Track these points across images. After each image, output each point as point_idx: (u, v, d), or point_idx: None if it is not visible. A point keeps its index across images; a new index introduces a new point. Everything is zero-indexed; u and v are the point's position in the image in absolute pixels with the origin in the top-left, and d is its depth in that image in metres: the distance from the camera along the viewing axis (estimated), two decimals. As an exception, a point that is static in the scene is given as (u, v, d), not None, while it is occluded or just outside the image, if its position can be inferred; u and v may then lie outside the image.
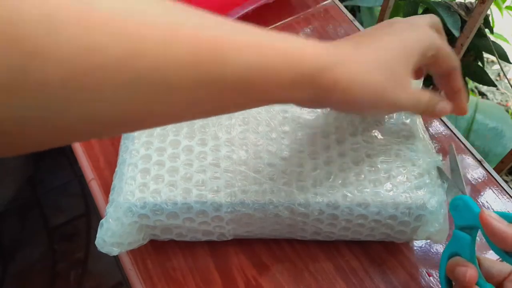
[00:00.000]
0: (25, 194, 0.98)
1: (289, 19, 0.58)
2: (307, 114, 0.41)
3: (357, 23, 0.58)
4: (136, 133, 0.40)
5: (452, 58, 0.34)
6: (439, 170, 0.37)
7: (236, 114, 0.41)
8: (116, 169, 0.40)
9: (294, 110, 0.41)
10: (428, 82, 0.74)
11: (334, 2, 0.60)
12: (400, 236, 0.39)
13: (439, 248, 0.42)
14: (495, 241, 0.30)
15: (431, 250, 0.42)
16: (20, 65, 0.16)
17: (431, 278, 0.40)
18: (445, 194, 0.36)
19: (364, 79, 0.29)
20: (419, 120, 0.41)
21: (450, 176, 0.36)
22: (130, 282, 0.41)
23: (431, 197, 0.36)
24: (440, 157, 0.38)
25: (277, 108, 0.41)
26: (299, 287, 0.40)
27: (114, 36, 0.19)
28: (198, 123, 0.40)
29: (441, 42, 0.34)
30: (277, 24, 0.58)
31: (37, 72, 0.17)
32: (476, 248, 0.33)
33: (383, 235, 0.39)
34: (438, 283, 0.40)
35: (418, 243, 0.42)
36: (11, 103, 0.17)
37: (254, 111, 0.41)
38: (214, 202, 0.36)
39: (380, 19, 0.66)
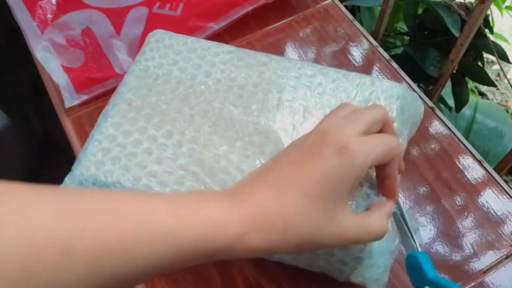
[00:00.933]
0: (25, 194, 0.98)
1: (289, 19, 0.58)
2: (279, 130, 0.39)
3: (357, 23, 0.58)
4: (111, 112, 0.41)
5: (399, 150, 0.31)
6: (395, 216, 0.34)
7: (209, 114, 0.40)
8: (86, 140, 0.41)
9: (266, 125, 0.40)
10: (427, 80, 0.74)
11: (334, 2, 0.60)
12: (338, 274, 0.37)
13: (439, 248, 0.42)
14: None
15: (431, 250, 0.42)
16: None
17: (431, 278, 0.40)
18: (399, 243, 0.34)
19: (286, 239, 0.27)
20: None
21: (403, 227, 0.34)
22: (130, 282, 0.41)
23: (376, 242, 0.34)
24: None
25: (251, 118, 0.40)
26: (299, 287, 0.40)
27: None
28: (171, 115, 0.41)
29: (383, 148, 0.29)
30: (277, 24, 0.58)
31: None
32: None
33: (322, 269, 0.38)
34: (438, 283, 0.40)
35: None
36: None
37: (228, 115, 0.40)
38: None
39: (380, 19, 0.66)
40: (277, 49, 0.56)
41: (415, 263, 0.31)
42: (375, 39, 0.57)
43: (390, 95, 0.42)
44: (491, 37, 0.72)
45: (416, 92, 0.51)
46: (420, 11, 0.77)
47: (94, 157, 0.38)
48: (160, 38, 0.47)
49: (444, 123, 0.49)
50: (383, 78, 0.45)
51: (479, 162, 0.47)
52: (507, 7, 1.13)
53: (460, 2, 0.69)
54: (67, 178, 0.38)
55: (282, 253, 0.27)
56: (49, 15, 0.57)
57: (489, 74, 0.72)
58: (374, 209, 0.31)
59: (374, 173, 0.34)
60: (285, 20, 0.58)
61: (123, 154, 0.38)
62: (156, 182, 0.37)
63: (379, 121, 0.31)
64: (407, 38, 0.86)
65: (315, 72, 0.44)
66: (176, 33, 0.57)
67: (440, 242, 0.42)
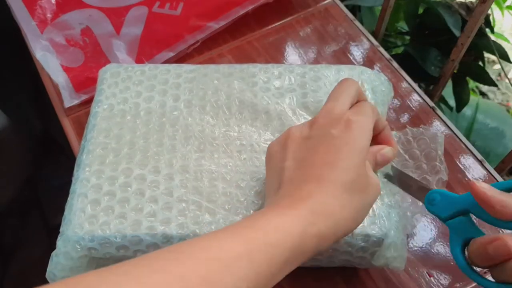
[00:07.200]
0: (25, 194, 0.98)
1: (289, 18, 0.58)
2: (264, 142, 0.40)
3: (357, 23, 0.57)
4: (87, 161, 0.39)
5: (382, 119, 0.35)
6: (388, 177, 0.37)
7: (192, 140, 0.40)
8: (68, 198, 0.38)
9: (250, 137, 0.40)
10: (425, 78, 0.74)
11: (335, 2, 0.60)
12: (360, 261, 0.38)
13: (440, 248, 0.42)
14: (493, 212, 0.29)
15: (432, 250, 0.42)
16: None
17: (431, 278, 0.40)
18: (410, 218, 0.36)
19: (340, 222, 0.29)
20: None
21: (400, 182, 0.36)
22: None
23: (388, 220, 0.35)
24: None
25: (234, 134, 0.40)
26: (298, 287, 0.40)
27: None
28: (152, 149, 0.39)
29: (369, 114, 0.33)
30: (277, 23, 0.58)
31: None
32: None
33: (343, 262, 0.38)
34: (439, 283, 0.40)
35: (418, 243, 0.42)
36: None
37: (210, 137, 0.40)
38: (165, 233, 0.35)
39: (381, 18, 0.66)
40: (277, 49, 0.56)
41: (439, 197, 0.33)
42: (376, 39, 0.57)
43: (359, 80, 0.43)
44: (492, 37, 0.72)
45: (417, 92, 0.51)
46: (421, 11, 0.77)
47: (83, 213, 0.36)
48: (115, 72, 0.45)
49: (445, 123, 0.49)
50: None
51: (480, 162, 0.47)
52: (508, 7, 1.13)
53: (461, 1, 0.69)
54: (59, 243, 0.36)
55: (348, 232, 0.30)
56: (48, 15, 0.57)
57: (490, 74, 0.72)
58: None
59: None
60: (285, 20, 0.58)
61: (114, 202, 0.36)
62: (158, 221, 0.35)
63: (357, 91, 0.35)
64: (407, 37, 0.86)
65: (282, 72, 0.44)
66: (176, 33, 0.57)
67: (440, 242, 0.42)
